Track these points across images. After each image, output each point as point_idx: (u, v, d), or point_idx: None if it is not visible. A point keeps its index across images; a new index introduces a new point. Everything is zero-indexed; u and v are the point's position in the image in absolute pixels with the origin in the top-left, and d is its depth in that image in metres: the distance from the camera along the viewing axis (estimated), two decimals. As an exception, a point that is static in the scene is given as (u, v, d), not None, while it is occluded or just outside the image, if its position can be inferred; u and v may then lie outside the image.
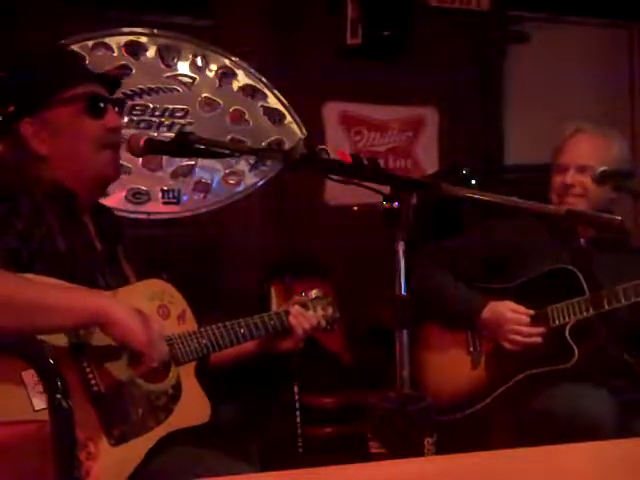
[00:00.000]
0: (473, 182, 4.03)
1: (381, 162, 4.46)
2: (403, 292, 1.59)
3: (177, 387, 1.96)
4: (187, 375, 2.00)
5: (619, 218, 1.81)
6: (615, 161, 2.72)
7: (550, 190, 2.80)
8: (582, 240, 2.75)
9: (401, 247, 1.59)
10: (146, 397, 1.89)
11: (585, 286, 2.61)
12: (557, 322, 2.63)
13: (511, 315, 2.67)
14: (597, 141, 2.77)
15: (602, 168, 2.64)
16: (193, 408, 1.98)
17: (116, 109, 2.04)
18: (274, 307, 3.96)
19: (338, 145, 4.28)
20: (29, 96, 1.97)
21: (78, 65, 2.09)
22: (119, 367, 1.86)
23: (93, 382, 1.80)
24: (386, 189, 1.64)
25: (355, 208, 4.17)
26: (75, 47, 3.78)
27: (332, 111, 4.44)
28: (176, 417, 1.92)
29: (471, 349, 2.79)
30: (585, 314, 2.60)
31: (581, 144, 2.78)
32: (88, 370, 1.80)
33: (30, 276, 1.78)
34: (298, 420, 3.48)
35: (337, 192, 4.23)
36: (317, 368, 3.75)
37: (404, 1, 4.32)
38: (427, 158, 4.62)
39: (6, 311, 1.68)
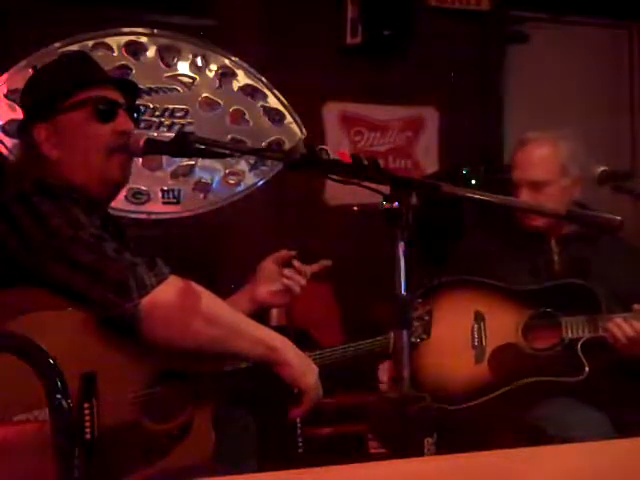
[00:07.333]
0: (473, 182, 4.03)
1: (381, 162, 4.46)
2: (403, 292, 1.59)
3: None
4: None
5: (619, 218, 1.80)
6: (564, 168, 2.66)
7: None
8: (553, 241, 2.71)
9: (401, 247, 1.59)
10: None
11: (588, 299, 2.55)
12: (570, 335, 2.56)
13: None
14: (543, 150, 2.69)
15: (602, 168, 2.59)
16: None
17: (134, 114, 2.03)
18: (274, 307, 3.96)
19: (338, 145, 4.28)
20: (41, 101, 1.98)
21: (90, 69, 2.07)
22: None
23: None
24: (386, 189, 1.64)
25: (355, 208, 4.17)
26: (75, 47, 3.79)
27: (332, 111, 4.44)
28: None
29: (475, 343, 2.76)
30: (594, 334, 2.52)
31: (528, 157, 2.71)
32: None
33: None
34: (298, 420, 3.47)
35: (337, 192, 4.23)
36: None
37: (404, 1, 4.33)
38: (427, 158, 4.62)
39: (214, 326, 1.82)
